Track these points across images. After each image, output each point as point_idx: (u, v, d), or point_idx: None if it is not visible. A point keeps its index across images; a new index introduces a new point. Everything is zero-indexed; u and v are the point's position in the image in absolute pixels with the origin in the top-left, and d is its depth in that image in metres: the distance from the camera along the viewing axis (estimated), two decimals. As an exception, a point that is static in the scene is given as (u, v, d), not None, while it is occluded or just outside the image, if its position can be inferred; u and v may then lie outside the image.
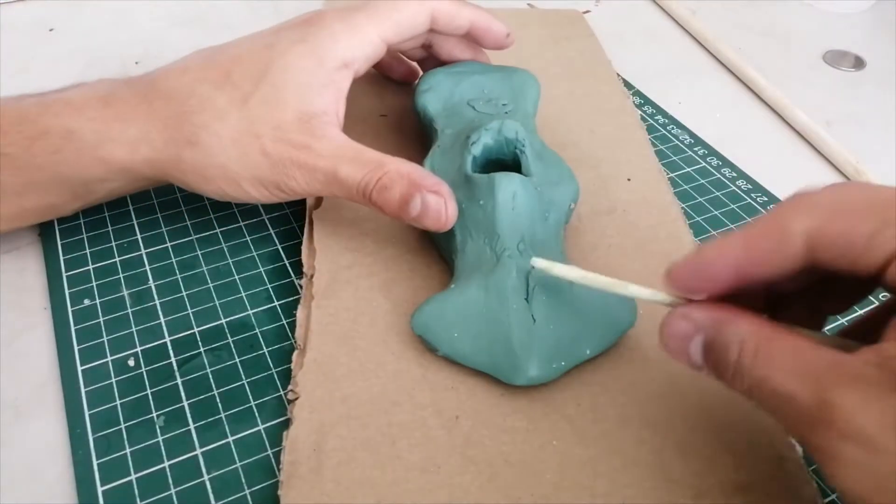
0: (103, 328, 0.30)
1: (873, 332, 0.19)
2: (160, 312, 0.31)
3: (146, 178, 0.31)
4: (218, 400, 0.28)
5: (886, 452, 0.16)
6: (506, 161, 0.32)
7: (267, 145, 0.29)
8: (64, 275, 0.32)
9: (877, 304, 0.25)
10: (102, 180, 0.30)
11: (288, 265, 0.33)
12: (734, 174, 0.40)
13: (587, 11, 0.54)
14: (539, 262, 0.27)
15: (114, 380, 0.28)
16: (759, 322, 0.20)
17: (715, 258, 0.21)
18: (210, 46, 0.32)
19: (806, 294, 0.23)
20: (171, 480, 0.25)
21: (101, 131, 0.29)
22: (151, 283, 0.32)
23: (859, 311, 0.30)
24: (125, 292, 0.31)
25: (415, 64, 0.41)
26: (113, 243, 0.34)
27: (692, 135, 0.43)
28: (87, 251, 0.33)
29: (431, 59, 0.39)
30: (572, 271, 0.26)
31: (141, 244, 0.34)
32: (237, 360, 0.29)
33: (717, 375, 0.21)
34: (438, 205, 0.29)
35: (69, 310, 0.31)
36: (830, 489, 0.26)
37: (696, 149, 0.42)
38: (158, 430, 0.26)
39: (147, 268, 0.33)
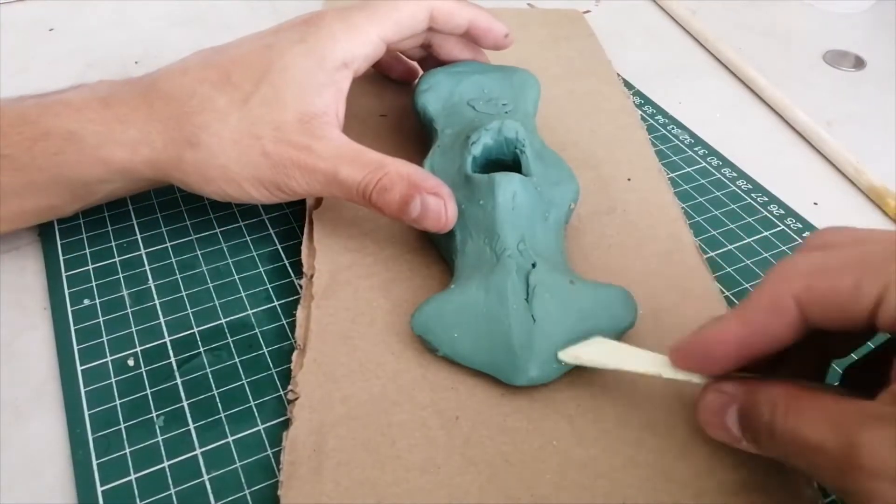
0: (103, 328, 0.30)
1: (880, 374, 0.20)
2: (160, 312, 0.31)
3: (146, 179, 0.31)
4: (218, 400, 0.28)
5: None
6: (506, 161, 0.32)
7: (267, 146, 0.29)
8: (64, 275, 0.32)
9: (873, 347, 0.25)
10: (103, 181, 0.30)
11: (288, 265, 0.33)
12: (734, 174, 0.40)
13: (587, 11, 0.54)
14: (566, 355, 0.26)
15: (113, 380, 0.28)
16: (786, 384, 0.21)
17: (715, 340, 0.22)
18: (210, 47, 0.32)
19: (807, 345, 0.24)
20: (170, 480, 0.25)
21: (102, 132, 0.29)
22: (151, 283, 0.32)
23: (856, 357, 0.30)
24: (125, 292, 0.31)
25: (414, 63, 0.41)
26: (113, 243, 0.34)
27: (692, 135, 0.43)
28: (87, 251, 0.33)
29: (431, 59, 0.39)
30: (604, 356, 0.26)
31: (141, 244, 0.34)
32: (237, 360, 0.29)
33: (753, 441, 0.22)
34: (438, 206, 0.29)
35: (69, 310, 0.31)
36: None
37: (696, 149, 0.42)
38: (158, 430, 0.26)
39: (147, 268, 0.33)
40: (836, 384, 0.25)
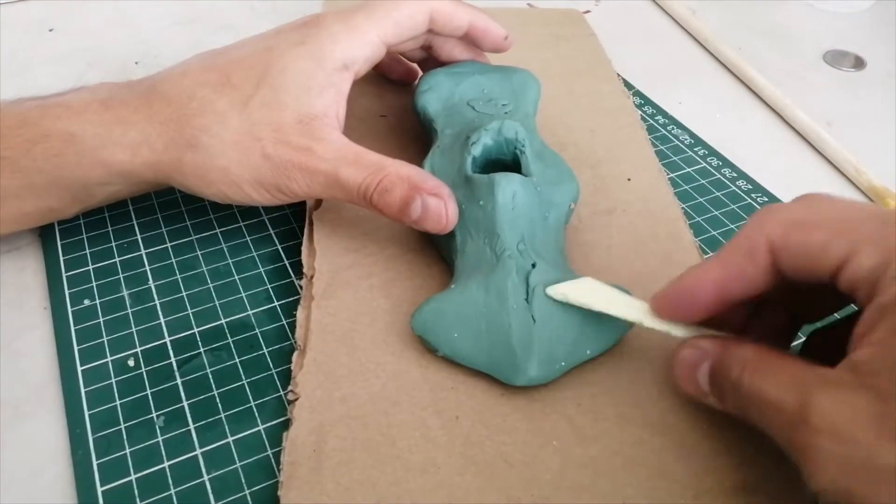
0: (103, 328, 0.30)
1: (840, 345, 0.21)
2: (160, 313, 0.31)
3: (147, 181, 0.31)
4: (218, 400, 0.28)
5: (855, 442, 0.18)
6: (506, 161, 0.32)
7: (267, 148, 0.29)
8: (64, 275, 0.32)
9: (838, 318, 0.27)
10: (103, 184, 0.30)
11: (288, 265, 0.33)
12: (734, 174, 0.40)
13: (587, 11, 0.54)
14: (554, 291, 0.27)
15: (114, 380, 0.28)
16: (757, 346, 0.22)
17: (695, 282, 0.24)
18: (210, 50, 0.32)
19: (778, 307, 0.26)
20: (170, 480, 0.25)
21: (102, 135, 0.29)
22: (151, 284, 0.32)
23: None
24: (125, 292, 0.31)
25: (414, 65, 0.41)
26: (113, 243, 0.34)
27: (692, 135, 0.43)
28: (87, 251, 0.33)
29: (431, 60, 0.39)
30: (587, 295, 0.27)
31: (141, 244, 0.34)
32: (237, 360, 0.29)
33: (719, 397, 0.23)
34: (439, 207, 0.29)
35: (69, 310, 0.31)
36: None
37: (696, 149, 0.42)
38: (158, 431, 0.26)
39: (147, 268, 0.33)
40: (798, 352, 0.26)
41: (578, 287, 0.27)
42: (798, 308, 0.26)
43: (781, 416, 0.20)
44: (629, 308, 0.26)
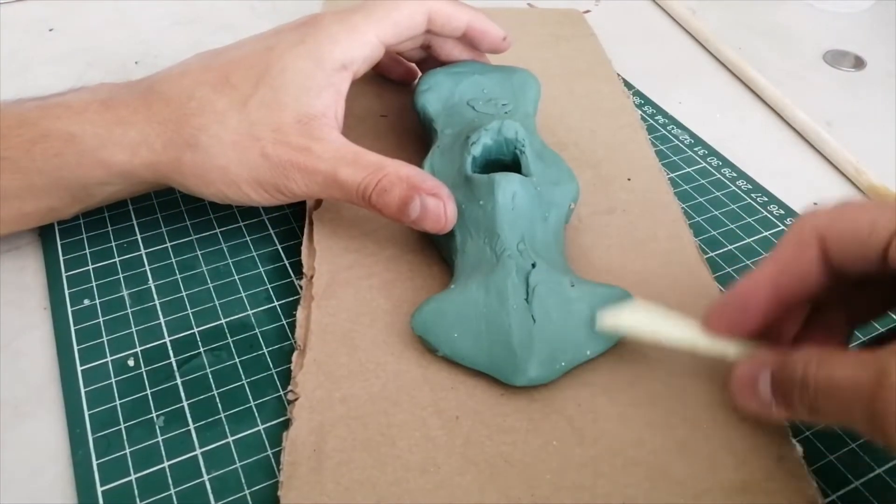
0: (103, 328, 0.30)
1: None
2: (160, 312, 0.31)
3: (146, 181, 0.31)
4: (218, 400, 0.28)
5: None
6: (506, 161, 0.32)
7: (267, 147, 0.29)
8: (64, 275, 0.32)
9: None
10: (102, 184, 0.30)
11: (288, 265, 0.33)
12: (734, 174, 0.40)
13: (587, 11, 0.54)
14: (604, 322, 0.27)
15: (113, 380, 0.28)
16: (819, 346, 0.23)
17: (749, 286, 0.24)
18: (209, 50, 0.32)
19: (831, 313, 0.26)
20: (170, 480, 0.25)
21: (102, 135, 0.29)
22: (151, 284, 0.32)
23: (881, 329, 0.31)
24: (125, 292, 0.31)
25: (413, 65, 0.41)
26: (113, 243, 0.34)
27: (692, 135, 0.43)
28: (87, 251, 0.33)
29: (430, 60, 0.39)
30: (638, 323, 0.26)
31: (141, 244, 0.34)
32: (237, 360, 0.29)
33: (784, 401, 0.23)
34: (437, 207, 0.29)
35: (69, 310, 0.31)
36: (830, 489, 0.26)
37: (696, 149, 0.42)
38: (158, 431, 0.26)
39: (147, 268, 0.33)
40: None
41: (629, 315, 0.27)
42: (853, 307, 0.26)
43: (858, 394, 0.20)
44: (680, 331, 0.25)
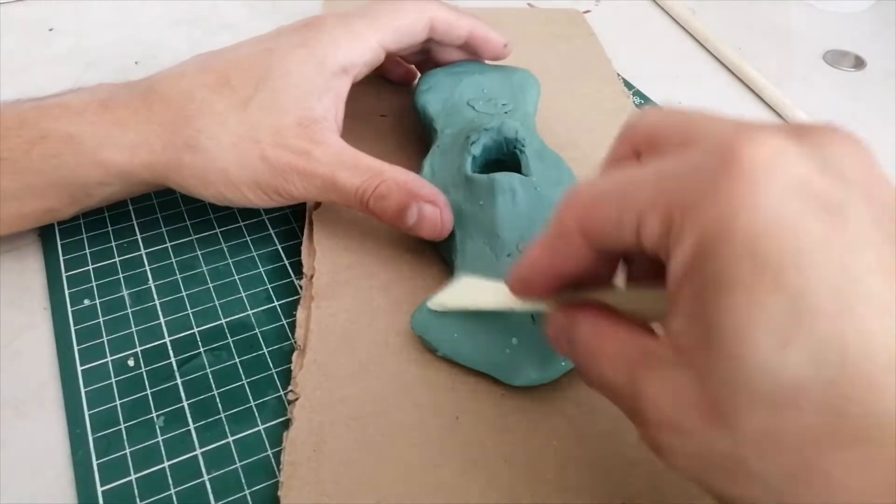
0: (103, 328, 0.30)
1: None
2: (160, 312, 0.31)
3: (145, 182, 0.31)
4: (218, 400, 0.28)
5: (687, 431, 0.16)
6: (505, 161, 0.32)
7: (266, 150, 0.29)
8: (64, 275, 0.32)
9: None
10: (101, 184, 0.30)
11: (288, 265, 0.33)
12: (734, 174, 0.40)
13: (587, 11, 0.54)
14: (433, 304, 0.27)
15: (113, 380, 0.28)
16: (594, 311, 0.20)
17: (530, 266, 0.21)
18: (209, 51, 0.32)
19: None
20: (170, 480, 0.25)
21: (101, 135, 0.29)
22: (151, 284, 0.32)
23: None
24: (125, 292, 0.31)
25: (412, 66, 0.41)
26: (113, 243, 0.34)
27: (692, 135, 0.43)
28: (87, 251, 0.33)
29: (430, 63, 0.39)
30: (463, 298, 0.27)
31: (141, 244, 0.34)
32: (237, 360, 0.29)
33: (575, 365, 0.21)
34: (434, 215, 0.29)
35: (69, 310, 0.31)
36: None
37: (696, 149, 0.42)
38: (158, 431, 0.26)
39: (147, 268, 0.33)
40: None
41: (454, 292, 0.27)
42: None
43: (620, 401, 0.18)
44: (501, 297, 0.24)
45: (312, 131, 0.30)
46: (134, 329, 0.30)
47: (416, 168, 0.33)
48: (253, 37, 0.33)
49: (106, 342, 0.29)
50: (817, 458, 0.15)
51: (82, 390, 0.28)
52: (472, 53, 0.37)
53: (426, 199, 0.29)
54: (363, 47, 0.32)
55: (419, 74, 0.40)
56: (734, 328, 0.15)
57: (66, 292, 0.31)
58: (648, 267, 0.22)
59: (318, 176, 0.29)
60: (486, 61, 0.39)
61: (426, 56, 0.38)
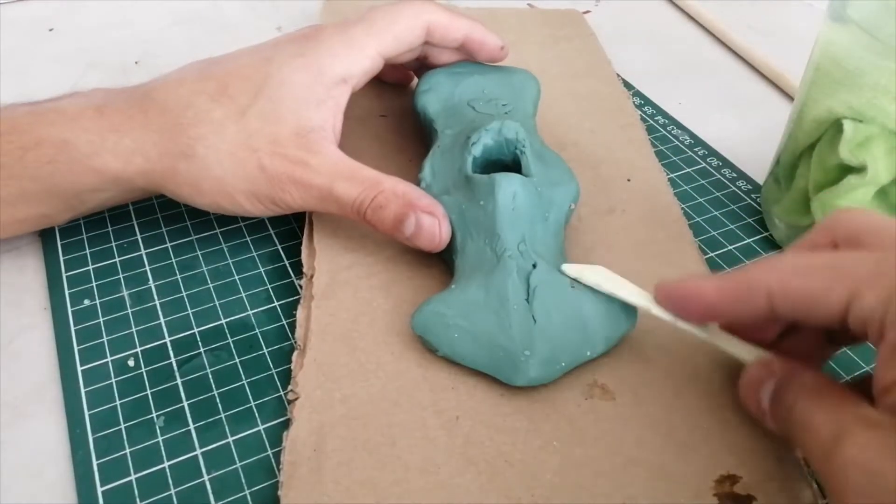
0: (103, 328, 0.30)
1: None
2: (160, 313, 0.31)
3: (140, 189, 0.31)
4: (218, 400, 0.28)
5: (883, 475, 0.18)
6: (506, 161, 0.32)
7: (264, 159, 0.29)
8: (64, 275, 0.32)
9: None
10: (95, 191, 0.30)
11: (288, 265, 0.33)
12: (734, 174, 0.40)
13: (587, 11, 0.54)
14: (569, 269, 0.28)
15: (114, 380, 0.28)
16: (819, 376, 0.22)
17: (692, 293, 0.25)
18: (206, 59, 0.32)
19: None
20: (170, 481, 0.25)
21: (96, 142, 0.29)
22: (151, 284, 0.32)
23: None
24: (125, 292, 0.31)
25: (409, 71, 0.41)
26: (113, 243, 0.34)
27: (692, 135, 0.43)
28: (87, 251, 0.33)
29: (426, 67, 0.39)
30: (600, 278, 0.28)
31: (141, 244, 0.34)
32: (237, 360, 0.29)
33: (774, 418, 0.23)
34: (432, 226, 0.29)
35: (69, 310, 0.31)
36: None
37: (696, 149, 0.42)
38: (158, 431, 0.26)
39: (147, 268, 0.33)
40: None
41: (593, 270, 0.28)
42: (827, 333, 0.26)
43: (818, 445, 0.20)
44: (637, 296, 0.27)
45: (310, 141, 0.30)
46: (134, 329, 0.30)
47: (417, 169, 0.33)
48: (251, 45, 0.33)
49: (106, 342, 0.29)
50: None
51: (82, 390, 0.28)
52: (468, 56, 0.37)
53: (424, 209, 0.29)
54: (361, 57, 0.32)
55: (415, 77, 0.40)
56: None
57: (66, 292, 0.31)
58: (807, 339, 0.25)
59: (316, 186, 0.29)
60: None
61: (423, 59, 0.38)
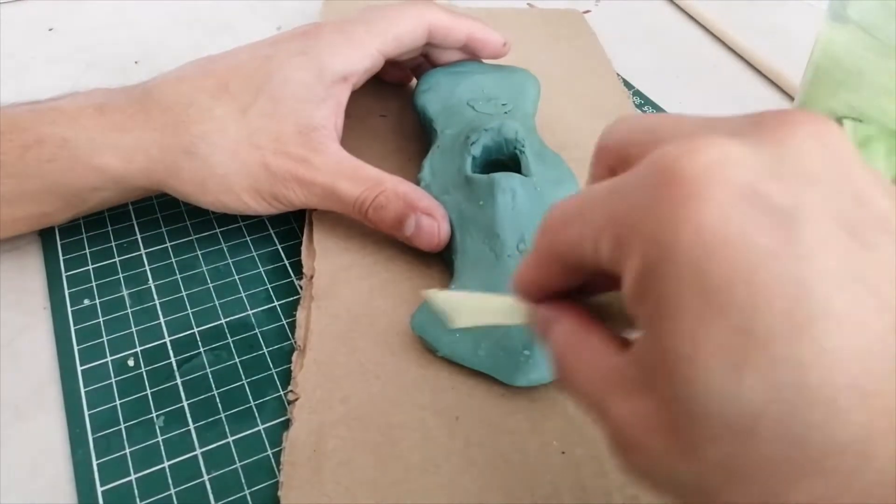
0: (103, 328, 0.30)
1: None
2: (160, 312, 0.31)
3: (140, 187, 0.31)
4: (218, 400, 0.28)
5: (658, 462, 0.15)
6: (506, 161, 0.32)
7: (267, 157, 0.29)
8: (64, 275, 0.32)
9: None
10: (96, 189, 0.30)
11: (288, 265, 0.33)
12: (734, 174, 0.40)
13: (587, 11, 0.54)
14: (415, 322, 0.26)
15: (113, 380, 0.28)
16: (574, 318, 0.19)
17: (520, 284, 0.20)
18: (206, 56, 0.32)
19: None
20: (170, 480, 0.25)
21: (96, 140, 0.29)
22: (151, 283, 0.32)
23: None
24: (125, 292, 0.31)
25: (409, 71, 0.41)
26: (113, 243, 0.34)
27: (692, 135, 0.43)
28: (87, 251, 0.33)
29: (427, 66, 0.39)
30: (467, 315, 0.23)
31: (141, 244, 0.34)
32: (237, 360, 0.29)
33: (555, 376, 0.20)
34: (432, 227, 0.29)
35: (69, 310, 0.31)
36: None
37: (696, 149, 0.42)
38: (158, 430, 0.26)
39: (147, 268, 0.33)
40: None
41: (441, 304, 0.23)
42: None
43: (594, 416, 0.17)
44: (504, 309, 0.22)
45: (312, 139, 0.30)
46: (134, 329, 0.30)
47: (417, 168, 0.33)
48: (250, 43, 0.33)
49: (106, 342, 0.29)
50: (784, 489, 0.14)
51: (82, 390, 0.28)
52: (471, 55, 0.37)
53: (424, 210, 0.30)
54: (362, 54, 0.32)
55: (414, 78, 0.40)
56: (685, 354, 0.14)
57: (66, 292, 0.31)
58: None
59: (318, 184, 0.30)
60: (486, 60, 0.39)
61: (424, 59, 0.38)
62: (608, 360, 0.17)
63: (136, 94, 0.30)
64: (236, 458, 0.26)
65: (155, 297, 0.31)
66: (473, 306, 0.22)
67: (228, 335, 0.30)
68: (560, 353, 0.18)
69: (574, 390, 0.18)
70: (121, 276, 0.32)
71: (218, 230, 0.35)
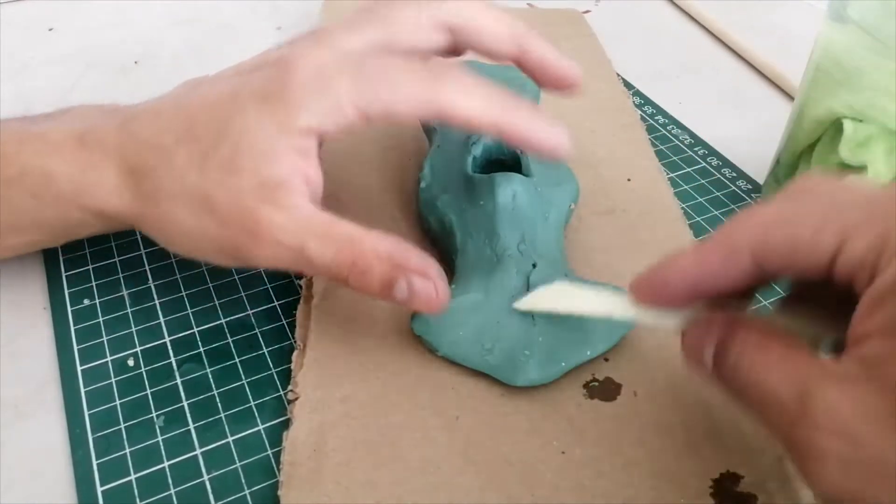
0: (103, 328, 0.30)
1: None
2: (160, 312, 0.31)
3: (126, 224, 0.29)
4: (218, 400, 0.28)
5: (863, 440, 0.16)
6: (506, 161, 0.32)
7: (225, 217, 0.26)
8: (64, 275, 0.32)
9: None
10: (82, 225, 0.29)
11: (288, 265, 0.33)
12: (734, 174, 0.40)
13: (587, 11, 0.54)
14: (520, 305, 0.27)
15: (113, 380, 0.28)
16: (764, 329, 0.21)
17: (671, 275, 0.22)
18: (194, 79, 0.30)
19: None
20: (170, 480, 0.25)
21: (77, 180, 0.28)
22: (151, 283, 0.32)
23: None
24: (125, 292, 0.31)
25: None
26: (113, 243, 0.34)
27: (692, 135, 0.43)
28: (87, 251, 0.33)
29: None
30: (564, 301, 0.26)
31: (140, 244, 0.34)
32: (237, 360, 0.29)
33: (719, 379, 0.21)
34: (427, 289, 0.25)
35: (69, 310, 0.31)
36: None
37: (696, 149, 0.42)
38: (158, 430, 0.26)
39: (147, 267, 0.33)
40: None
41: (547, 294, 0.26)
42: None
43: (780, 410, 0.18)
44: (609, 304, 0.24)
45: (277, 196, 0.26)
46: (134, 329, 0.30)
47: (416, 168, 0.33)
48: (232, 66, 0.30)
49: (106, 342, 0.29)
50: None
51: (82, 390, 0.28)
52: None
53: (415, 270, 0.25)
54: (336, 112, 0.26)
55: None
56: None
57: (66, 292, 0.31)
58: (802, 292, 0.23)
59: (284, 245, 0.26)
60: (490, 62, 0.39)
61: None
62: (808, 358, 0.19)
63: (116, 124, 0.28)
64: (236, 458, 0.26)
65: (155, 297, 0.31)
66: (580, 295, 0.25)
67: (228, 335, 0.30)
68: (746, 354, 0.20)
69: (760, 389, 0.19)
70: (121, 275, 0.32)
71: (218, 230, 0.35)
